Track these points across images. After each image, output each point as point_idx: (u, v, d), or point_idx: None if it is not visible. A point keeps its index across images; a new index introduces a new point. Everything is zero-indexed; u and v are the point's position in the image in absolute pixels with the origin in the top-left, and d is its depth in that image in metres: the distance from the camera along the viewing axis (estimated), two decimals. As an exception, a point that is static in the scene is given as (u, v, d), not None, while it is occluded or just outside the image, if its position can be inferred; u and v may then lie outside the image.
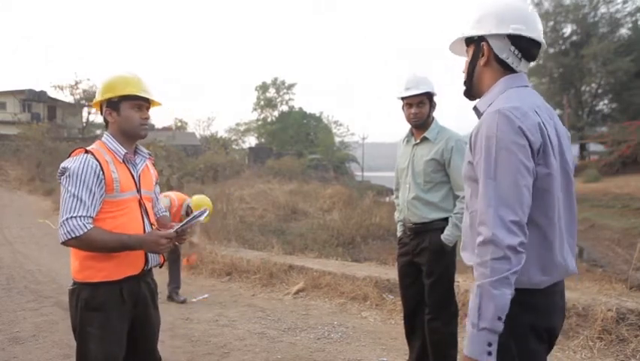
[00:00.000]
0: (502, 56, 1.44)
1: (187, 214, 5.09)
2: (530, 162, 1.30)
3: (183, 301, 5.21)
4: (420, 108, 2.81)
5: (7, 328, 4.25)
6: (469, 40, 1.52)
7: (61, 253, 8.27)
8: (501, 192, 1.28)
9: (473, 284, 1.30)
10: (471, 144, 1.41)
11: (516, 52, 1.43)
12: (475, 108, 1.52)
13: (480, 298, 1.26)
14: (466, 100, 1.63)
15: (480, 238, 1.29)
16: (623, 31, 37.23)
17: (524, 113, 1.32)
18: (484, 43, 1.46)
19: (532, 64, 1.55)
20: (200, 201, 5.27)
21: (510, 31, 1.41)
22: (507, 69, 1.46)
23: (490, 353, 1.25)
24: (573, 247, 1.48)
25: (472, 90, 1.55)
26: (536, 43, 1.45)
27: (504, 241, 1.25)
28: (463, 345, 1.32)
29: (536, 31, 1.43)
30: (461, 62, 1.61)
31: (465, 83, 1.56)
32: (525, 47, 1.43)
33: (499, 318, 1.24)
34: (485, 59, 1.47)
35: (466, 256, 1.56)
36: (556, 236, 1.39)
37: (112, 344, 1.90)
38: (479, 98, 1.53)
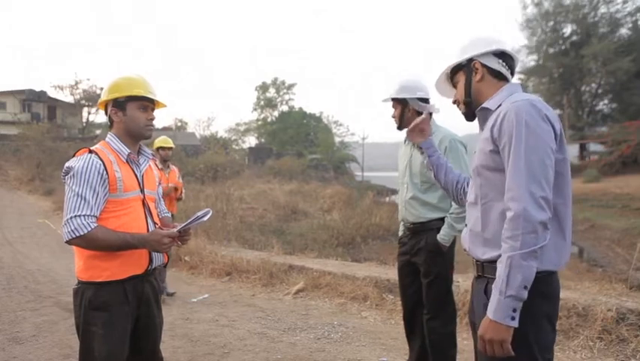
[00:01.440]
0: (495, 67, 1.65)
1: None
2: (554, 145, 1.44)
3: (172, 294, 5.44)
4: (395, 111, 2.87)
5: (7, 328, 4.25)
6: (457, 69, 1.72)
7: (61, 253, 8.28)
8: (531, 170, 1.39)
9: (502, 256, 1.40)
10: (493, 131, 1.51)
11: (503, 64, 1.66)
12: (484, 108, 1.63)
13: (509, 268, 1.37)
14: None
15: (510, 213, 1.39)
16: (623, 31, 37.28)
17: (546, 105, 1.48)
18: (475, 62, 1.66)
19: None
20: (163, 142, 5.57)
21: (494, 47, 1.65)
22: (501, 80, 1.66)
23: (513, 318, 1.36)
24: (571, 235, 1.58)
25: (472, 107, 1.69)
26: (512, 60, 1.68)
27: (535, 216, 1.36)
28: (489, 311, 1.40)
29: (509, 48, 1.68)
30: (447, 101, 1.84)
31: (465, 103, 1.71)
32: (508, 61, 1.67)
33: (525, 287, 1.36)
34: (480, 75, 1.66)
35: (478, 251, 1.57)
36: (568, 218, 1.50)
37: (115, 343, 1.90)
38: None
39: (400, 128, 2.92)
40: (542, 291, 1.45)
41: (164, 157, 5.54)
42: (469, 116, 1.72)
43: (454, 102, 1.77)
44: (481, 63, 1.65)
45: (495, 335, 1.38)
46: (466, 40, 1.72)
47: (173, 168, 5.73)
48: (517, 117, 1.44)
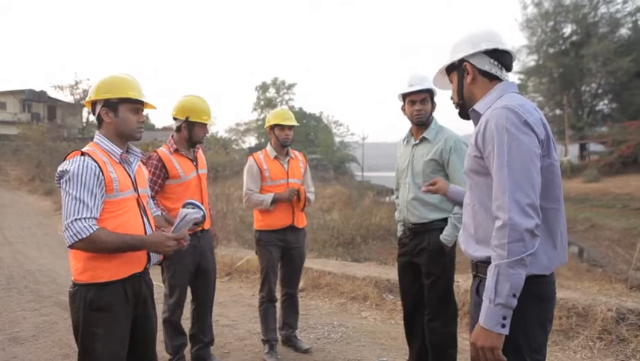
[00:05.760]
0: (485, 68, 1.62)
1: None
2: (538, 150, 1.43)
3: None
4: (423, 105, 2.80)
5: (7, 328, 4.25)
6: (451, 69, 1.71)
7: (62, 253, 8.28)
8: (515, 177, 1.39)
9: (491, 265, 1.41)
10: (477, 139, 1.51)
11: (495, 63, 1.62)
12: (474, 110, 1.63)
13: (497, 276, 1.38)
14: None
15: (498, 222, 1.40)
16: (623, 31, 37.27)
17: (528, 109, 1.46)
18: (465, 63, 1.64)
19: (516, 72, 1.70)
20: (281, 117, 3.53)
21: (484, 46, 1.61)
22: (493, 79, 1.63)
23: (503, 326, 1.38)
24: (566, 237, 1.58)
25: (465, 108, 1.69)
26: (508, 54, 1.65)
27: (521, 224, 1.36)
28: (480, 318, 1.41)
29: (503, 44, 1.64)
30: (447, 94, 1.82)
31: (458, 104, 1.71)
32: (500, 58, 1.63)
33: (514, 295, 1.36)
34: (471, 77, 1.64)
35: (471, 250, 1.58)
36: (559, 223, 1.50)
37: (117, 343, 1.91)
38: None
39: (426, 123, 2.85)
40: (534, 293, 1.45)
41: (283, 141, 3.49)
42: (463, 115, 1.72)
43: (452, 98, 1.77)
44: (471, 64, 1.63)
45: (486, 342, 1.39)
46: (458, 38, 1.70)
47: (296, 154, 3.68)
48: (497, 125, 1.44)
